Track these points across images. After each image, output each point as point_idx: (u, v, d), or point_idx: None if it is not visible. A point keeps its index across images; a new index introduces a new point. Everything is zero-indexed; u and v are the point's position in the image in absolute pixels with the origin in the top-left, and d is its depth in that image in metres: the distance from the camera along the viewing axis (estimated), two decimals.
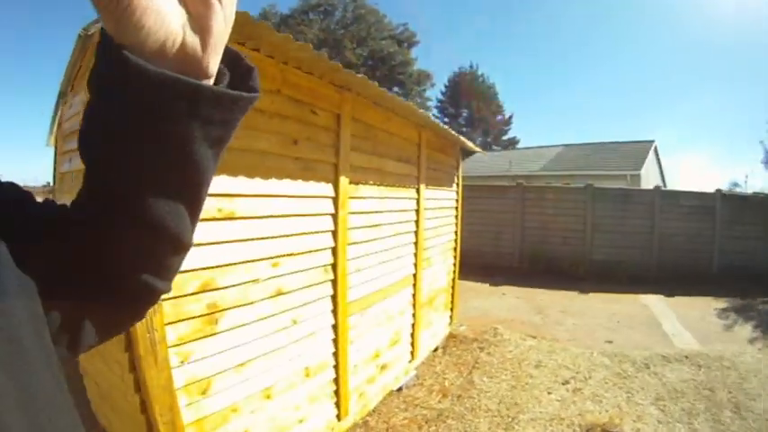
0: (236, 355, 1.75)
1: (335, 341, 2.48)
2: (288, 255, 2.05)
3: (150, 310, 1.21)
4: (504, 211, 8.79)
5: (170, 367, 1.41)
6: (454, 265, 4.69)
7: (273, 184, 1.94)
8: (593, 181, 9.03)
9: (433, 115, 6.05)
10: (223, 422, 1.67)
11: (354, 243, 2.62)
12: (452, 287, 4.65)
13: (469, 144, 4.67)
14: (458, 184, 4.71)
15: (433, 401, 3.22)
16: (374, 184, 2.85)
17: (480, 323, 5.01)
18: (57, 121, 3.13)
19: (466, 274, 6.72)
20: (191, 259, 1.59)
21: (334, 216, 2.40)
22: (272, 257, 1.96)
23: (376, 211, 2.89)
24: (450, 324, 4.66)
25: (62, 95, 2.82)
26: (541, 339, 4.55)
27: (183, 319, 1.51)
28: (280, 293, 2.02)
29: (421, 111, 3.28)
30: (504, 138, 29.90)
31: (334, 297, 2.45)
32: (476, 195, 8.23)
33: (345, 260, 2.51)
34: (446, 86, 29.33)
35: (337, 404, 2.53)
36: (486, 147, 22.10)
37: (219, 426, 1.65)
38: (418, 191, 3.56)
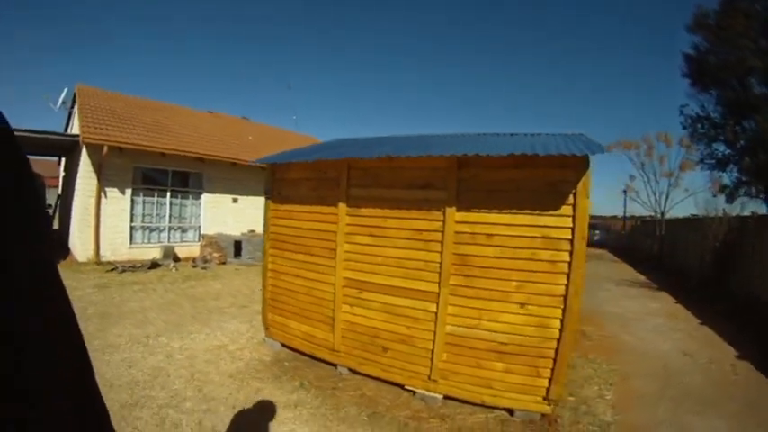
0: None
1: (334, 294, 4.45)
2: (309, 237, 4.69)
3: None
4: None
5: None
6: (561, 320, 3.18)
7: (308, 207, 4.74)
8: None
9: None
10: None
11: (352, 243, 4.34)
12: (555, 349, 3.22)
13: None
14: (574, 206, 3.17)
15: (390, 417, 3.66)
16: (374, 207, 4.20)
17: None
18: None
19: None
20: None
21: (336, 224, 4.47)
22: (303, 236, 4.77)
23: (374, 226, 4.19)
24: (548, 400, 3.23)
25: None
26: None
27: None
28: (308, 254, 4.74)
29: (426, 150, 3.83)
30: None
31: (333, 267, 4.46)
32: None
33: (342, 250, 4.40)
34: None
35: (332, 331, 4.45)
36: None
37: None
38: (444, 213, 3.78)
